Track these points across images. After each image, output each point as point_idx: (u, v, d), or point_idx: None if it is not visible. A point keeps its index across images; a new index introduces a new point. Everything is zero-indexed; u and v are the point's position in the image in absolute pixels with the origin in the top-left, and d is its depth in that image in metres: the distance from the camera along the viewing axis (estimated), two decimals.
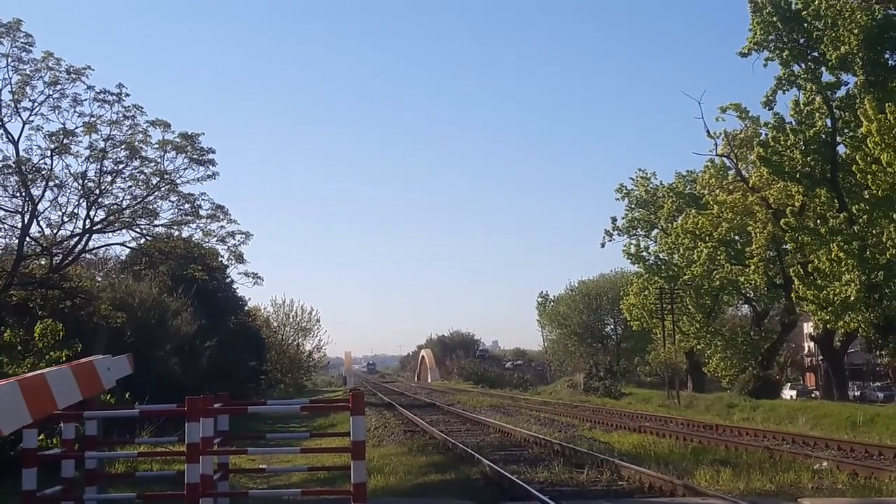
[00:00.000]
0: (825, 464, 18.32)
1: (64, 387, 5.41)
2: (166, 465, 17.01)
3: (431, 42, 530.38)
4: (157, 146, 28.89)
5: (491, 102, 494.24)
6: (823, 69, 44.93)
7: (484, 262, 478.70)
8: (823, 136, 45.21)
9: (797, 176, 45.41)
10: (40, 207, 27.41)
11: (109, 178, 28.36)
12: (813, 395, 65.49)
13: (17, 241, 27.25)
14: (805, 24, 44.53)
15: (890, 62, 43.06)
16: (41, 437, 14.67)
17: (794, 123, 46.08)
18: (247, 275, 34.15)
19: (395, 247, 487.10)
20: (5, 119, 26.57)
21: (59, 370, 5.61)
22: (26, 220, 26.95)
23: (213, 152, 29.72)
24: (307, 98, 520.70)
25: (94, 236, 29.30)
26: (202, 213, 30.31)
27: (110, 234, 30.24)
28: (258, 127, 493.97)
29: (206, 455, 11.30)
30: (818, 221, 44.79)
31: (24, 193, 26.86)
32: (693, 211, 61.06)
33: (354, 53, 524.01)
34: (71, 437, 12.85)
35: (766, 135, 48.60)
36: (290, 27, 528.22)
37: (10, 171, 26.79)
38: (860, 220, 41.46)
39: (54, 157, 27.21)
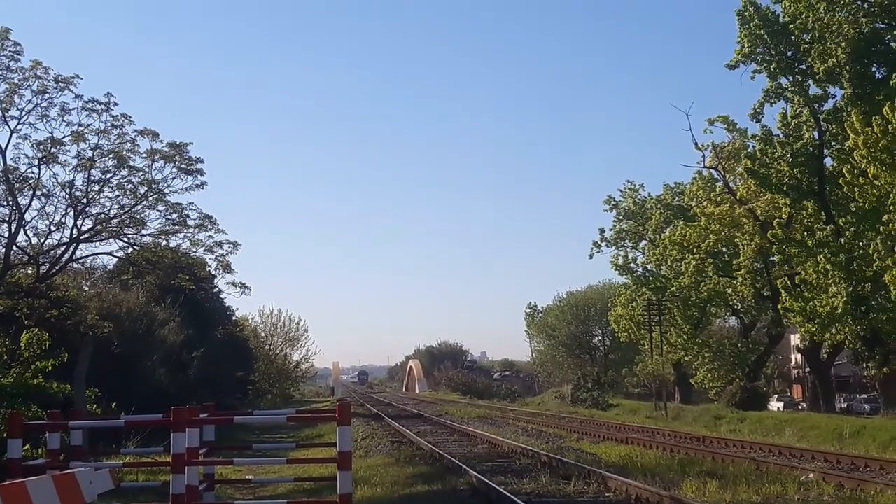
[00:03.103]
0: (811, 476, 18.38)
1: (44, 497, 5.43)
2: (152, 475, 16.97)
3: (419, 57, 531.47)
4: (145, 155, 28.87)
5: (480, 113, 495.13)
6: (811, 82, 45.11)
7: (472, 273, 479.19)
8: (811, 149, 45.37)
9: (784, 188, 45.53)
10: (27, 216, 27.38)
11: (97, 188, 28.33)
12: (800, 407, 65.60)
13: (3, 249, 27.16)
14: (792, 37, 44.71)
15: (877, 75, 43.21)
16: (26, 447, 14.63)
17: (781, 136, 46.20)
18: (234, 285, 34.12)
19: (385, 258, 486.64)
20: None
21: (40, 480, 5.63)
22: (13, 229, 26.89)
23: (202, 162, 29.74)
24: (296, 109, 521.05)
25: (82, 246, 29.26)
26: (190, 222, 30.29)
27: (97, 244, 30.18)
28: (247, 137, 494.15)
29: (192, 465, 11.29)
30: (805, 233, 44.87)
31: (11, 202, 26.81)
32: (681, 223, 61.17)
33: (345, 68, 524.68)
34: (56, 447, 12.84)
35: (754, 147, 48.73)
36: (279, 38, 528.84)
37: None
38: (847, 233, 41.58)
39: (42, 166, 27.20)
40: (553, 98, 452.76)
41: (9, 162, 26.87)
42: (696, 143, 57.32)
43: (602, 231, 72.11)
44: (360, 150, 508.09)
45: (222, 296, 49.96)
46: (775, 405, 66.62)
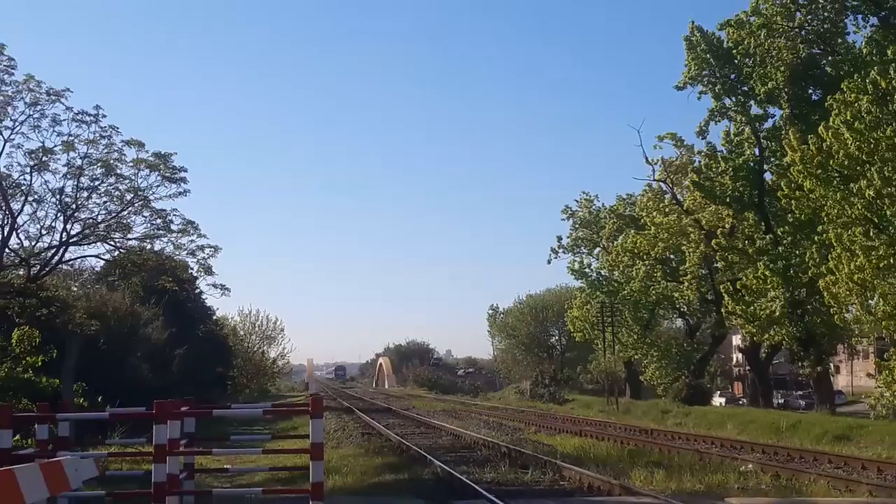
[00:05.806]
0: (750, 466, 18.55)
1: (32, 484, 5.39)
2: (135, 464, 16.82)
3: (388, 65, 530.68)
4: (131, 164, 28.53)
5: (447, 122, 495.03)
6: (752, 102, 45.53)
7: (439, 275, 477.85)
8: (752, 164, 45.80)
9: (727, 200, 45.92)
10: (19, 220, 26.99)
11: (86, 194, 27.99)
12: (740, 403, 66.07)
13: None
14: (736, 61, 45.12)
15: (813, 97, 43.70)
16: (16, 437, 14.46)
17: (724, 152, 46.60)
18: (215, 286, 33.82)
19: (359, 260, 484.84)
20: None
21: (28, 468, 5.58)
22: (6, 233, 26.54)
23: (185, 171, 29.46)
24: (272, 114, 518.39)
25: (70, 248, 28.86)
26: (173, 227, 29.96)
27: (86, 247, 29.79)
28: (223, 141, 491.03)
29: (173, 455, 11.20)
30: (746, 242, 45.24)
31: (4, 207, 26.45)
32: (632, 231, 61.49)
33: (319, 74, 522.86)
34: (45, 437, 12.70)
35: (700, 162, 49.28)
36: (259, 44, 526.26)
37: None
38: (784, 242, 42.05)
39: (34, 174, 26.84)
40: (515, 115, 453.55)
41: (2, 169, 26.54)
42: (646, 158, 57.72)
43: (559, 238, 72.28)
44: (333, 153, 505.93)
45: (203, 296, 49.49)
46: (718, 400, 67.18)
